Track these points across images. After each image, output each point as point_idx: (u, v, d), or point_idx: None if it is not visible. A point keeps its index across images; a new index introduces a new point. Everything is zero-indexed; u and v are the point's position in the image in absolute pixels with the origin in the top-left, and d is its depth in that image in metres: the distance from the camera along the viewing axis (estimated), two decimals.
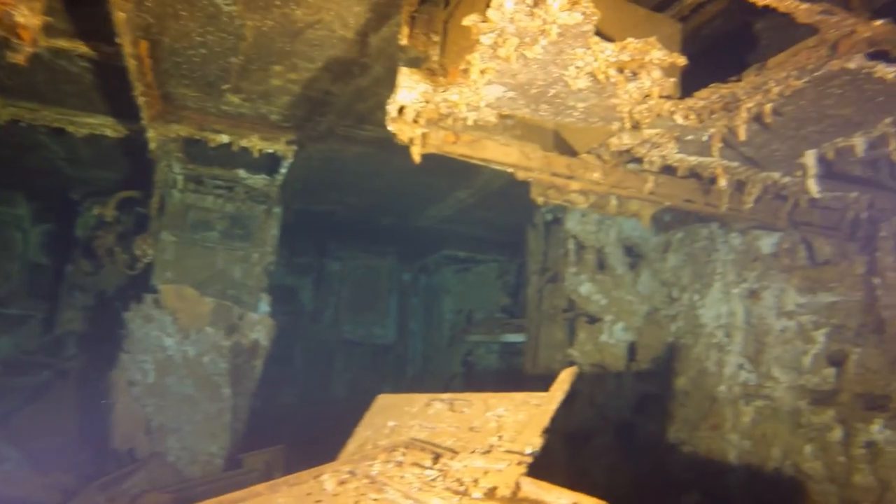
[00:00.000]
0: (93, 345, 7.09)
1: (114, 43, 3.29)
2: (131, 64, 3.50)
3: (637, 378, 5.03)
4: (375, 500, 2.20)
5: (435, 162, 5.42)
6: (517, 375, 7.26)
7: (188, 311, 5.24)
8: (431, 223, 7.26)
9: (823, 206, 3.50)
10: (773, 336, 4.14)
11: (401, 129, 2.73)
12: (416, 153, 2.74)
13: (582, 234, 5.32)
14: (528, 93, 2.46)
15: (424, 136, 2.74)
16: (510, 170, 3.19)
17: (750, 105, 2.30)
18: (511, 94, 2.48)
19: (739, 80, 2.25)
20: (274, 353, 5.72)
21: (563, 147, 3.14)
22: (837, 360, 3.85)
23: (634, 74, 2.22)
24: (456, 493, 2.07)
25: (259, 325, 5.37)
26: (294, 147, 4.89)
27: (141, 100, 4.05)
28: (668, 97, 2.34)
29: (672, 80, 2.25)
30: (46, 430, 6.16)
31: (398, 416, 3.13)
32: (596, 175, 3.00)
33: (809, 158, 2.75)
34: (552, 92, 2.42)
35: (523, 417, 2.67)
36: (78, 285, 7.19)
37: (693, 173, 3.16)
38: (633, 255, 5.43)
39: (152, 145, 4.79)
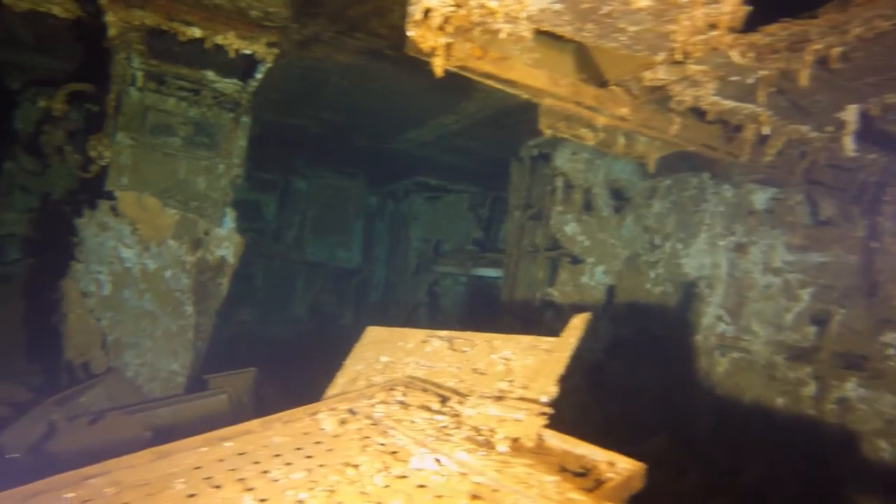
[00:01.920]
0: (37, 249, 6.60)
1: None
2: None
3: (612, 321, 5.02)
4: (384, 445, 2.05)
5: (423, 83, 5.09)
6: (485, 309, 7.23)
7: (149, 222, 4.86)
8: (407, 147, 6.92)
9: (836, 165, 3.41)
10: (756, 291, 4.14)
11: (423, 36, 2.40)
12: (439, 66, 2.43)
13: (571, 173, 5.15)
14: (577, 7, 2.18)
15: (449, 46, 2.43)
16: (526, 94, 2.94)
17: (819, 47, 2.10)
18: (558, 6, 2.20)
19: (815, 17, 2.04)
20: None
21: (585, 75, 2.89)
22: (820, 320, 3.89)
23: None
24: (478, 444, 1.94)
25: (226, 242, 5.05)
26: (275, 50, 4.43)
27: None
28: (732, 29, 2.12)
29: (746, 10, 2.02)
30: None
31: (391, 351, 2.97)
32: (624, 110, 2.78)
33: (851, 114, 2.60)
34: (606, 9, 2.16)
35: (532, 362, 2.55)
36: (18, 184, 6.58)
37: (719, 119, 2.98)
38: (620, 198, 5.32)
39: (112, 31, 4.24)
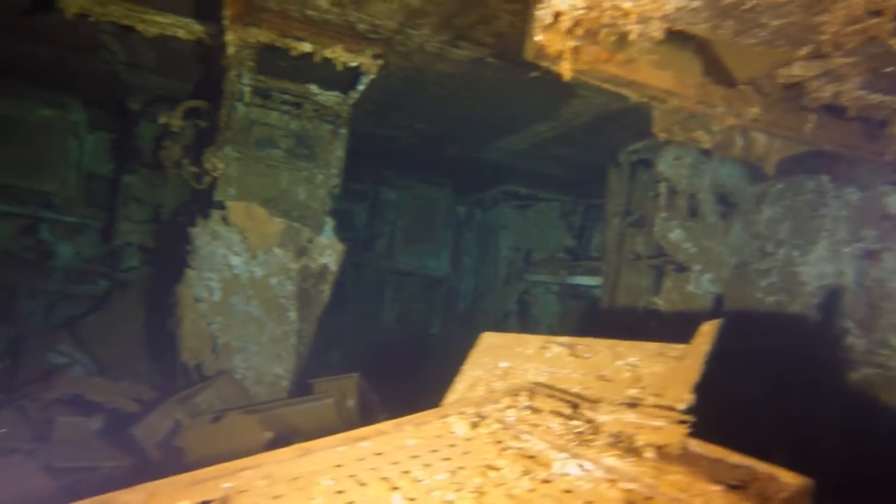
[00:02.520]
0: (151, 258, 7.03)
1: None
2: None
3: (722, 332, 4.78)
4: (520, 449, 2.03)
5: (522, 91, 5.09)
6: (578, 318, 7.10)
7: (256, 231, 5.07)
8: (498, 156, 6.93)
9: None
10: (893, 301, 3.85)
11: (550, 40, 2.39)
12: (566, 69, 2.41)
13: (675, 178, 4.98)
14: (718, 4, 2.11)
15: (576, 49, 2.40)
16: (648, 97, 2.86)
17: None
18: (697, 3, 2.13)
19: None
20: None
21: (711, 75, 2.79)
22: None
23: None
24: (624, 451, 1.88)
25: (329, 250, 5.19)
26: (380, 62, 4.55)
27: None
28: None
29: None
30: (109, 338, 6.17)
31: (510, 356, 2.95)
32: (754, 110, 2.66)
33: None
34: (750, 4, 2.07)
35: (661, 370, 2.46)
36: (135, 197, 7.05)
37: (860, 115, 2.80)
38: (726, 203, 5.10)
39: (230, 50, 4.48)
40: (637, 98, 2.93)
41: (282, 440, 3.52)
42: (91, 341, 6.21)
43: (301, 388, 5.20)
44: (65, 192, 7.03)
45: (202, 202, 5.58)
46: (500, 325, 7.77)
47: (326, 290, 5.24)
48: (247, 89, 5.21)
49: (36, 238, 7.15)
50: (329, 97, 5.29)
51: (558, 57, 2.43)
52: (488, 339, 3.18)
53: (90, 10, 4.63)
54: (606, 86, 2.79)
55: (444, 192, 8.30)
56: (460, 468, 1.94)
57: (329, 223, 5.50)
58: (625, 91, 2.84)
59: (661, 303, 4.78)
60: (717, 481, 1.67)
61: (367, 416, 4.51)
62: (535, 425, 2.17)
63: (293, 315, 5.09)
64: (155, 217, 7.08)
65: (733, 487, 1.64)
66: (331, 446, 2.16)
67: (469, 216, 8.52)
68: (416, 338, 8.37)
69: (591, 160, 6.30)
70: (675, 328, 4.77)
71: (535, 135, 5.94)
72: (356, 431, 2.26)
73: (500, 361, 2.94)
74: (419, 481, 1.86)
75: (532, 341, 2.97)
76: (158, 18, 4.78)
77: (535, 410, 2.32)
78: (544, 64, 2.57)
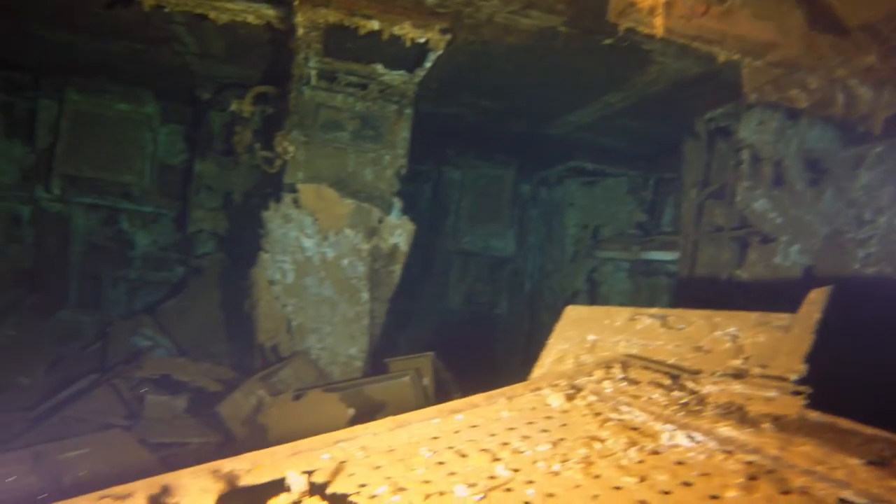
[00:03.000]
0: (223, 243, 7.24)
1: None
2: None
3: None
4: (621, 420, 1.94)
5: (592, 60, 4.91)
6: (649, 294, 6.89)
7: (327, 212, 5.12)
8: (565, 131, 6.75)
9: None
10: None
11: None
12: (659, 25, 2.28)
13: (758, 145, 4.72)
14: None
15: (669, 3, 2.26)
16: (744, 52, 2.68)
17: None
18: None
19: None
20: None
21: (816, 24, 2.58)
22: None
23: None
24: (738, 421, 1.77)
25: (399, 230, 5.20)
26: (448, 37, 4.47)
27: None
28: None
29: None
30: (187, 322, 6.40)
31: (597, 329, 2.85)
32: (869, 58, 2.45)
33: None
34: None
35: (765, 340, 2.32)
36: (206, 185, 7.26)
37: None
38: (815, 169, 4.79)
39: (299, 32, 4.49)
40: (727, 56, 2.76)
41: (363, 417, 3.55)
42: (171, 325, 6.45)
43: (375, 368, 5.25)
44: (141, 182, 7.31)
45: (273, 186, 5.68)
46: (569, 305, 7.61)
47: (397, 270, 5.25)
48: (313, 72, 5.24)
49: (116, 228, 7.47)
50: (395, 76, 5.26)
51: (650, 12, 2.30)
52: (573, 312, 3.08)
53: (165, 1, 4.74)
54: (696, 44, 2.63)
55: (509, 171, 8.18)
56: (561, 440, 1.87)
57: (397, 204, 5.50)
58: (715, 49, 2.67)
59: (744, 275, 4.56)
60: (853, 454, 1.54)
61: (442, 394, 4.50)
62: (635, 397, 2.07)
63: (365, 296, 5.13)
64: (226, 204, 7.27)
65: (874, 463, 1.51)
66: (425, 419, 2.13)
67: (534, 194, 8.38)
68: (482, 318, 8.33)
69: (662, 132, 6.06)
70: (761, 301, 4.55)
71: (605, 107, 5.74)
72: (448, 404, 2.22)
73: (588, 334, 2.85)
74: (520, 452, 1.80)
75: (620, 313, 2.87)
76: (230, 5, 4.84)
77: (633, 382, 2.22)
78: (629, 24, 2.45)
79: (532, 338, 8.10)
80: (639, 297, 7.00)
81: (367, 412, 3.66)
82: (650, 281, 6.93)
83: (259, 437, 3.79)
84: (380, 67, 5.23)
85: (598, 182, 7.58)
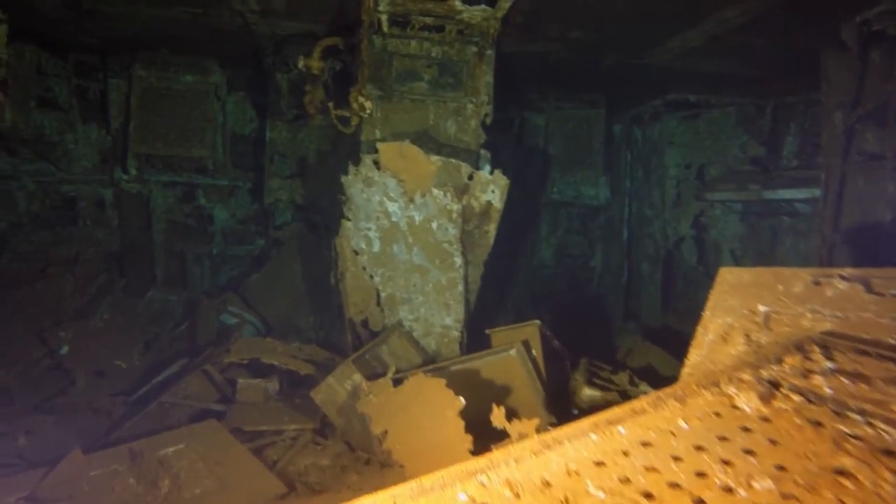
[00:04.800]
0: (301, 212, 6.98)
1: None
2: None
3: None
4: (862, 439, 1.40)
5: None
6: (771, 239, 6.11)
7: (412, 172, 4.65)
8: (664, 59, 5.93)
9: None
10: None
11: None
12: None
13: None
14: None
15: None
16: None
17: None
18: None
19: None
20: None
21: None
22: None
23: None
24: None
25: (492, 185, 4.68)
26: None
27: None
28: None
29: None
30: (272, 297, 6.21)
31: (768, 298, 2.27)
32: None
33: None
34: None
35: None
36: (279, 152, 6.97)
37: None
38: None
39: None
40: None
41: (471, 401, 3.14)
42: (256, 301, 6.29)
43: (471, 338, 4.85)
44: (215, 156, 7.09)
45: (350, 147, 5.28)
46: (672, 254, 6.93)
47: (492, 229, 4.76)
48: (384, 17, 4.73)
49: (194, 205, 7.34)
50: (475, 13, 4.66)
51: None
52: (731, 277, 2.48)
53: None
54: None
55: (598, 111, 7.40)
56: (782, 469, 1.35)
57: (485, 156, 4.98)
58: None
59: None
60: None
61: (554, 368, 4.05)
62: (871, 400, 1.51)
63: (458, 260, 4.68)
64: (301, 170, 6.97)
65: None
66: (576, 435, 1.65)
67: (627, 135, 7.59)
68: (576, 272, 7.77)
69: (788, 47, 5.17)
70: None
71: (718, 24, 4.90)
72: (604, 414, 1.73)
73: (756, 304, 2.26)
74: (730, 491, 1.30)
75: (796, 276, 2.26)
76: None
77: (853, 375, 1.66)
78: None
79: (631, 290, 7.48)
80: (755, 243, 6.23)
81: (476, 396, 3.24)
82: (769, 223, 6.12)
83: (361, 429, 3.48)
84: (458, 3, 4.65)
85: (702, 115, 6.72)
